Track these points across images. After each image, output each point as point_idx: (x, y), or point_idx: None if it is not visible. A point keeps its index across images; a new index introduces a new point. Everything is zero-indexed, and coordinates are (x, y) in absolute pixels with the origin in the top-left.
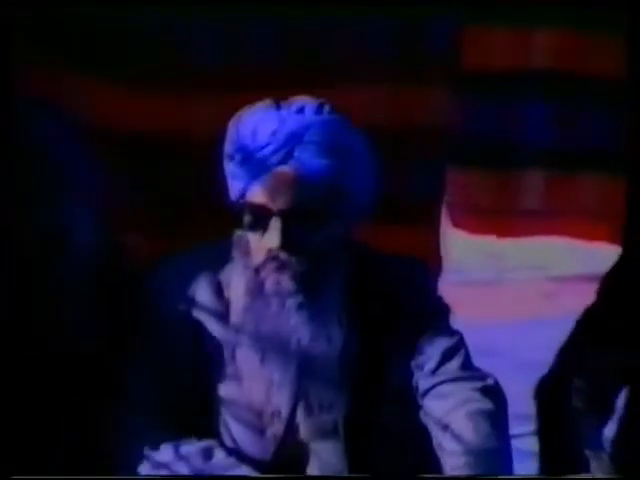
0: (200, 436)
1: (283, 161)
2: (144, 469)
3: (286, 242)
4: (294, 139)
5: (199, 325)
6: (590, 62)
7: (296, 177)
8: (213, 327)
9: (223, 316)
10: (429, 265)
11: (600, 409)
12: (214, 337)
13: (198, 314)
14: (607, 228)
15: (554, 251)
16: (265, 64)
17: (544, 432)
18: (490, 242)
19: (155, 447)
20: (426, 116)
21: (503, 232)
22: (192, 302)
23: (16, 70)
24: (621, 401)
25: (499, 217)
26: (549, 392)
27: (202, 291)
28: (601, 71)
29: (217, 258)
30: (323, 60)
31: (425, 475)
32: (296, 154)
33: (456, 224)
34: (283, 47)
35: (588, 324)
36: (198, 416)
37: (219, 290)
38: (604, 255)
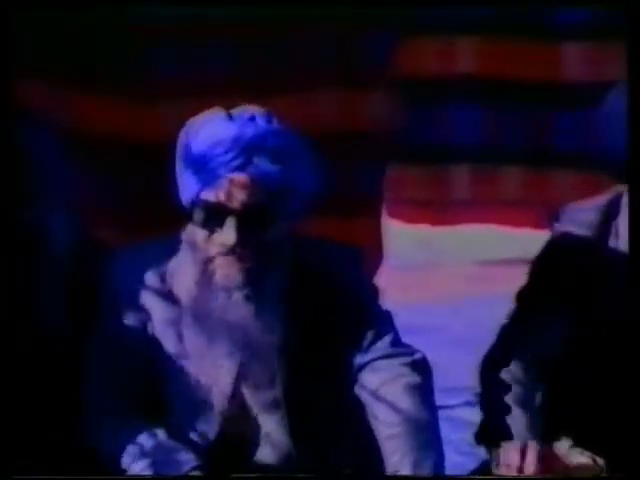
0: (151, 415)
1: (240, 167)
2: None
3: (240, 239)
4: (250, 148)
5: (148, 311)
6: (510, 67)
7: (251, 181)
8: (160, 313)
9: (169, 303)
10: (367, 252)
11: (535, 380)
12: (161, 322)
13: (148, 301)
14: (530, 216)
15: (481, 237)
16: (219, 75)
17: (486, 401)
18: (424, 230)
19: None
20: (365, 120)
21: (435, 221)
22: (142, 290)
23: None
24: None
25: (432, 208)
26: (491, 366)
27: (151, 279)
28: (522, 75)
29: (164, 251)
30: (273, 70)
31: (427, 475)
32: (251, 161)
33: (394, 215)
34: (235, 59)
35: (523, 303)
36: (149, 396)
37: (164, 279)
38: (527, 240)
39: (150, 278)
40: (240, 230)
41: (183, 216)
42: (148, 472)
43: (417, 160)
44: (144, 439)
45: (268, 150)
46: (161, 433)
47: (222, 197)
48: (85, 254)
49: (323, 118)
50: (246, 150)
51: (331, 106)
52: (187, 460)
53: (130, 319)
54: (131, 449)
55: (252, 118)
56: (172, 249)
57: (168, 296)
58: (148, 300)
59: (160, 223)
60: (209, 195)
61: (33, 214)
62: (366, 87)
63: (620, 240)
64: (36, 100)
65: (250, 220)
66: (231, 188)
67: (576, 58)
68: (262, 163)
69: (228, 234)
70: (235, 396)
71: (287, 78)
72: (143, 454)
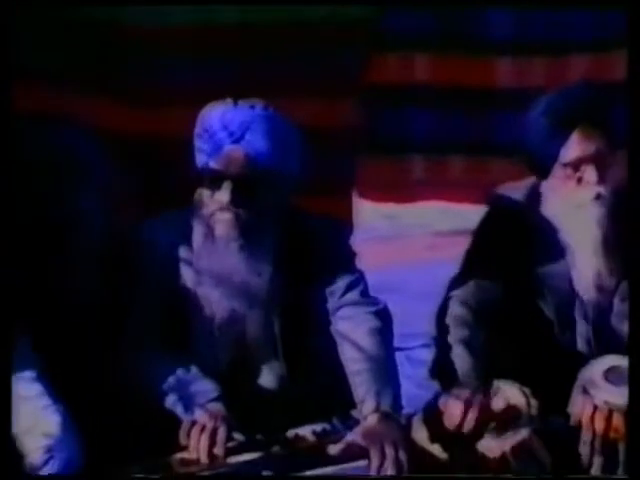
0: (178, 350)
1: (236, 141)
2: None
3: (233, 199)
4: (245, 126)
5: (174, 264)
6: (456, 77)
7: (245, 154)
8: (183, 265)
9: (188, 260)
10: (342, 223)
11: (477, 326)
12: (184, 271)
13: (174, 256)
14: (471, 195)
15: (434, 213)
16: (224, 82)
17: (438, 344)
18: (388, 207)
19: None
20: (340, 118)
21: (397, 200)
22: (171, 250)
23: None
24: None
25: (394, 190)
26: (442, 315)
27: (175, 237)
28: (466, 83)
29: (182, 217)
30: (267, 77)
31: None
32: (246, 137)
33: (364, 196)
34: (236, 71)
35: (467, 264)
36: (176, 336)
37: (185, 238)
38: (469, 214)
39: (174, 237)
40: (233, 192)
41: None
42: (178, 404)
43: (381, 151)
44: (174, 372)
45: (261, 131)
46: (185, 368)
47: (221, 165)
48: (116, 227)
49: (308, 117)
50: (242, 129)
51: (314, 108)
52: (210, 390)
53: (161, 270)
54: (164, 382)
55: (252, 106)
56: (187, 216)
57: (186, 252)
58: (174, 255)
59: (174, 203)
60: (213, 163)
61: (75, 198)
62: (340, 93)
63: (541, 218)
64: (69, 106)
65: (241, 185)
66: (228, 159)
67: (508, 70)
68: (255, 141)
69: (224, 194)
70: (237, 331)
71: (277, 85)
72: (173, 386)
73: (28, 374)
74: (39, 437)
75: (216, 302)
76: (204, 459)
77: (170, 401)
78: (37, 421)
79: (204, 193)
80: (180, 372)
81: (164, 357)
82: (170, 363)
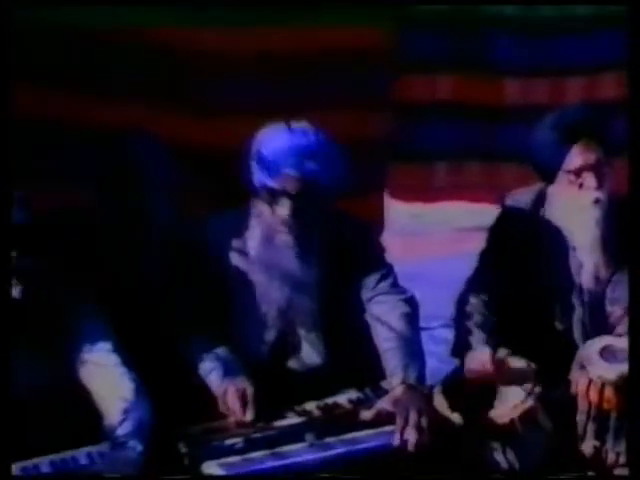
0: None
1: (292, 165)
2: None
3: (291, 214)
4: (299, 151)
5: (228, 257)
6: (473, 95)
7: (300, 175)
8: (236, 258)
9: (242, 251)
10: (374, 224)
11: (490, 312)
12: (238, 267)
13: (228, 250)
14: (487, 197)
15: (455, 212)
16: (275, 98)
17: (457, 325)
18: (415, 207)
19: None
20: (373, 130)
21: (423, 201)
22: (228, 244)
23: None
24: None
25: (420, 192)
26: (462, 300)
27: (230, 235)
28: (480, 101)
29: (238, 217)
30: (312, 95)
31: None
32: (301, 160)
33: (393, 197)
34: (286, 89)
35: (482, 259)
36: (224, 322)
37: (240, 235)
38: (485, 214)
39: (232, 235)
40: (291, 208)
41: (250, 195)
42: (222, 378)
43: (408, 159)
44: (217, 352)
45: (312, 154)
46: (226, 349)
47: (280, 185)
48: (183, 221)
49: (346, 130)
50: (298, 155)
51: (352, 122)
52: (237, 366)
53: (217, 264)
54: (208, 360)
55: (305, 132)
56: (243, 216)
57: (244, 249)
58: (229, 250)
59: (229, 201)
60: (272, 183)
61: (146, 198)
62: (373, 109)
63: (548, 219)
64: (139, 119)
65: (298, 201)
66: (286, 180)
67: (516, 89)
68: (308, 163)
69: (284, 210)
70: (286, 317)
71: (321, 102)
72: (215, 364)
73: (106, 346)
74: (116, 401)
75: (268, 290)
76: (244, 419)
77: (208, 373)
78: (114, 387)
79: (264, 208)
80: (219, 350)
81: (213, 336)
82: (215, 341)
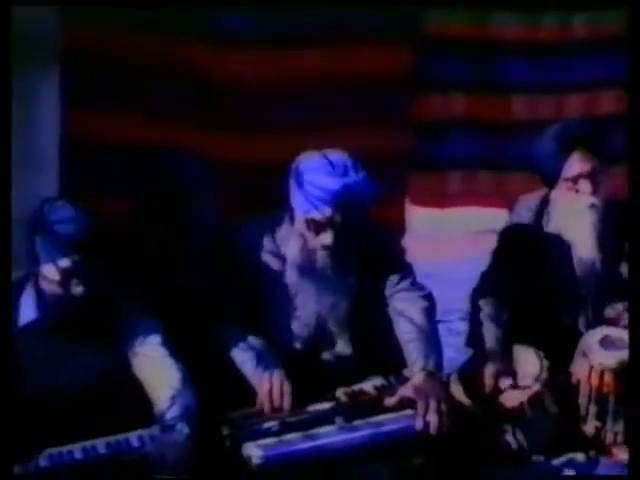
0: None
1: (337, 201)
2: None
3: (334, 241)
4: (343, 189)
5: (264, 261)
6: (483, 113)
7: (343, 210)
8: (272, 262)
9: (278, 257)
10: (396, 228)
11: (501, 308)
12: (274, 272)
13: (264, 254)
14: (497, 203)
15: (468, 217)
16: (300, 118)
17: (472, 319)
18: (433, 213)
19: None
20: (396, 145)
21: (440, 206)
22: (262, 249)
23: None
24: (512, 303)
25: (437, 198)
26: (476, 296)
27: (266, 240)
28: (492, 116)
29: (273, 223)
30: (338, 115)
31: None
32: (344, 197)
33: (414, 204)
34: (316, 109)
35: (493, 260)
36: (261, 318)
37: (275, 241)
38: (496, 219)
39: (266, 239)
40: (334, 236)
41: (282, 205)
42: (258, 369)
43: (427, 169)
44: (254, 345)
45: (352, 187)
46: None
47: (324, 217)
48: (223, 228)
49: (373, 144)
50: (341, 191)
51: (377, 137)
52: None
53: (253, 265)
54: (245, 352)
55: (345, 169)
56: (277, 222)
57: (277, 252)
58: (264, 253)
59: (262, 209)
60: (317, 215)
61: (190, 208)
62: (396, 126)
63: (551, 221)
64: (180, 138)
65: (340, 230)
66: (331, 214)
67: (523, 106)
68: (349, 198)
69: (327, 238)
70: (318, 314)
71: (349, 120)
72: (251, 355)
73: (156, 340)
74: (165, 389)
75: (302, 291)
76: (283, 407)
77: (245, 363)
78: (163, 376)
79: (306, 233)
80: (256, 343)
81: (250, 330)
82: (253, 335)
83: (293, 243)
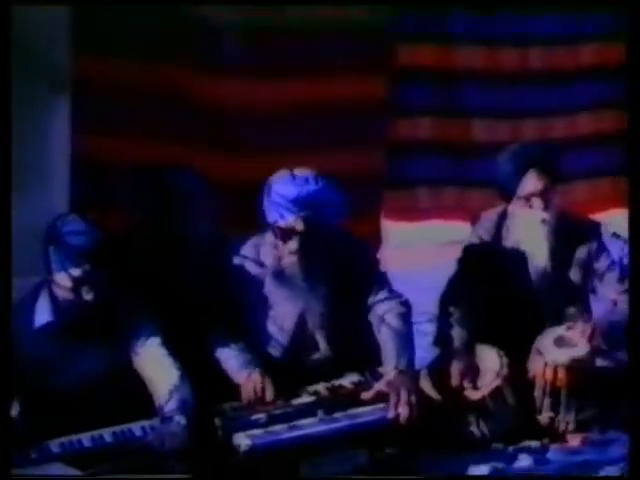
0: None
1: (299, 209)
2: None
3: (300, 248)
4: (304, 197)
5: (247, 270)
6: (449, 135)
7: (306, 217)
8: (253, 270)
9: (258, 266)
10: (371, 241)
11: (466, 311)
12: (257, 280)
13: (247, 265)
14: (462, 217)
15: (436, 230)
16: (284, 141)
17: (439, 322)
18: (404, 226)
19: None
20: (371, 165)
21: (410, 220)
22: (245, 259)
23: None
24: (475, 308)
25: (408, 213)
26: (443, 301)
27: (250, 253)
28: (455, 138)
29: (259, 238)
30: (310, 141)
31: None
32: (306, 205)
33: (388, 219)
34: (300, 133)
35: (458, 268)
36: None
37: (258, 253)
38: (461, 231)
39: (252, 251)
40: (300, 242)
41: (264, 225)
42: (241, 367)
43: (398, 187)
44: (239, 346)
45: (314, 199)
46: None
47: (289, 225)
48: (216, 240)
49: (349, 166)
50: (303, 201)
51: (353, 159)
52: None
53: (238, 274)
54: (227, 349)
55: (307, 180)
56: (259, 238)
57: (258, 262)
58: (247, 264)
59: (248, 224)
60: (282, 223)
61: (187, 221)
62: (370, 148)
63: (509, 234)
64: (180, 158)
65: (305, 237)
66: (295, 222)
67: (482, 129)
68: (312, 206)
69: (293, 244)
70: (300, 320)
71: (324, 141)
72: (235, 354)
73: (156, 341)
74: (165, 385)
75: (278, 295)
76: (265, 399)
77: (230, 362)
78: (162, 373)
79: (277, 241)
80: (236, 345)
81: (234, 335)
82: (235, 339)
83: (268, 252)
